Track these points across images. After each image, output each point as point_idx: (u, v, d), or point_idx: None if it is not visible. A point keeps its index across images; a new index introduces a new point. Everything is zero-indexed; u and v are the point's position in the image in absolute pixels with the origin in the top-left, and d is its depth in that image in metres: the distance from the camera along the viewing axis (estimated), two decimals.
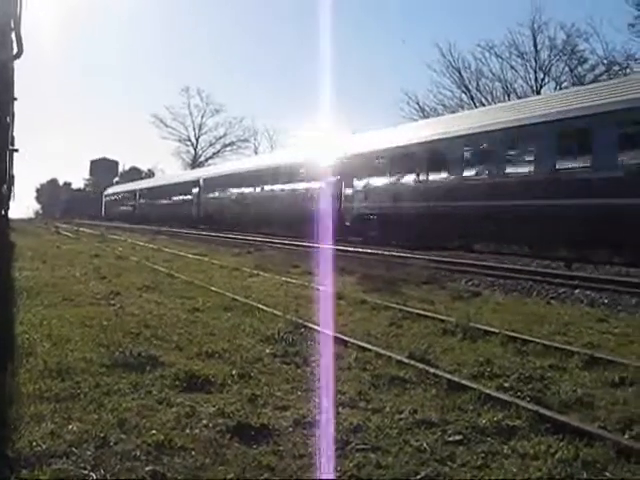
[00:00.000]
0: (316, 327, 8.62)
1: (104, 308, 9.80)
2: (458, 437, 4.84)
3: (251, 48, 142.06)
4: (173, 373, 6.18)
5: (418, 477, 4.10)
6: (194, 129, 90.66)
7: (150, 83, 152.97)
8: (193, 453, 4.34)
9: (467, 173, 24.97)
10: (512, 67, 49.43)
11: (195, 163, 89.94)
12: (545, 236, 21.57)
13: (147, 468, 4.01)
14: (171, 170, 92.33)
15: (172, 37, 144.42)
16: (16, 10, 9.32)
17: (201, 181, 56.06)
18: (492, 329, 8.65)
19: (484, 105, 46.26)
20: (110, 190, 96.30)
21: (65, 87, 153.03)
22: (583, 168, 20.35)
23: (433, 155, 26.80)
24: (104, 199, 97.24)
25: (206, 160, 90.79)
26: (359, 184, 31.89)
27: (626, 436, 4.92)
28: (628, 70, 40.28)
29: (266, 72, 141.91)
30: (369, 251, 23.62)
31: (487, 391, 5.81)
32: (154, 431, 4.66)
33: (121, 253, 22.23)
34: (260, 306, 10.28)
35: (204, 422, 4.92)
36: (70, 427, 4.66)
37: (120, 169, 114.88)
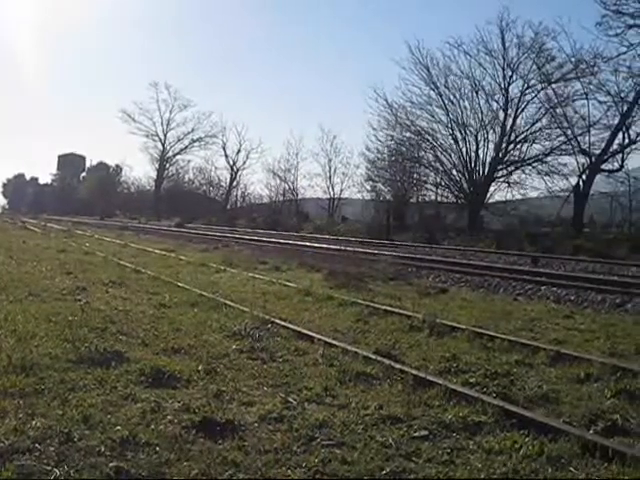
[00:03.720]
0: (283, 323, 8.62)
1: (70, 303, 9.69)
2: (424, 432, 4.87)
3: (219, 44, 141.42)
4: (139, 369, 6.14)
5: (383, 472, 4.11)
6: (162, 124, 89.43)
7: (118, 78, 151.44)
8: (157, 449, 4.31)
9: None
10: (480, 64, 49.33)
11: (163, 159, 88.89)
12: None
13: (111, 464, 3.98)
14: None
15: (141, 33, 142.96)
16: None
17: None
18: (459, 325, 8.70)
19: (452, 103, 46.23)
20: None
21: (33, 83, 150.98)
22: None
23: None
24: None
25: (174, 156, 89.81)
26: None
27: (590, 431, 4.97)
28: (595, 68, 40.56)
29: (234, 68, 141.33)
30: (337, 247, 23.60)
31: (453, 387, 5.85)
32: (119, 427, 4.62)
33: (88, 249, 22.01)
34: (227, 302, 10.23)
35: (169, 418, 4.90)
36: (34, 423, 4.61)
37: (87, 164, 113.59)
